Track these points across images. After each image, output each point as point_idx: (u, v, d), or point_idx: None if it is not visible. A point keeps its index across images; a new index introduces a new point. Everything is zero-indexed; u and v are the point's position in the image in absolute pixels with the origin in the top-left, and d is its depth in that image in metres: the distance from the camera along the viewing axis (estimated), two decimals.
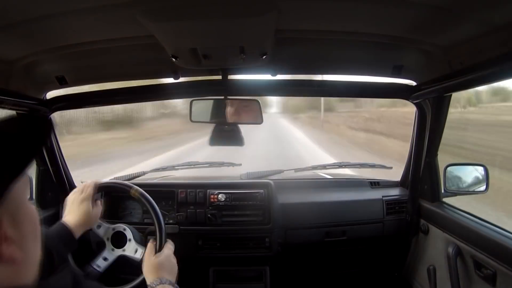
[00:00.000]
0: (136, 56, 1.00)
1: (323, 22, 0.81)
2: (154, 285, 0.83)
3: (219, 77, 1.09)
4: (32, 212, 0.39)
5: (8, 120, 0.35)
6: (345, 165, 1.65)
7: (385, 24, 0.81)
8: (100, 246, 1.09)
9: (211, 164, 1.64)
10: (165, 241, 1.01)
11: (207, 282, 1.41)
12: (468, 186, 1.27)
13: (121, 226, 1.10)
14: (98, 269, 1.03)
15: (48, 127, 0.35)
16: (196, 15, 0.70)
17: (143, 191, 1.09)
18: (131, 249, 1.07)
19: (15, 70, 0.94)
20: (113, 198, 1.34)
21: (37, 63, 0.97)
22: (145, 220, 1.33)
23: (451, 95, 1.14)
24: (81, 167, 4.35)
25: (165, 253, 0.95)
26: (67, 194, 1.04)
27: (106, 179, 1.28)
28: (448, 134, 1.22)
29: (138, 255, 1.06)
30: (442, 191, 1.29)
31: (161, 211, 1.07)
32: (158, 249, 0.97)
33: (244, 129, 1.15)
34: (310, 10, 0.73)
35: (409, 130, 1.37)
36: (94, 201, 1.01)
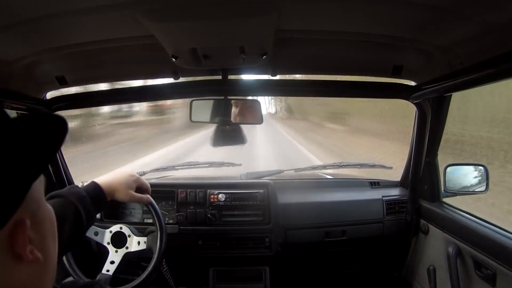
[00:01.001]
0: (136, 56, 0.99)
1: (323, 22, 0.81)
2: None
3: (219, 77, 1.09)
4: (50, 212, 0.38)
5: (26, 118, 0.34)
6: (345, 165, 1.65)
7: (385, 24, 0.80)
8: (102, 251, 1.10)
9: (211, 164, 1.64)
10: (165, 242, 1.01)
11: (207, 282, 1.41)
12: (468, 186, 1.27)
13: (117, 226, 1.10)
14: (108, 273, 1.03)
15: (66, 126, 0.35)
16: (196, 15, 0.70)
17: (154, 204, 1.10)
18: (134, 244, 1.08)
19: (15, 70, 0.94)
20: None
21: (37, 63, 0.97)
22: (145, 220, 1.34)
23: (451, 95, 1.14)
24: None
25: None
26: None
27: None
28: None
29: (142, 246, 1.08)
30: (442, 191, 1.29)
31: (161, 211, 1.08)
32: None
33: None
34: (310, 10, 0.73)
35: None
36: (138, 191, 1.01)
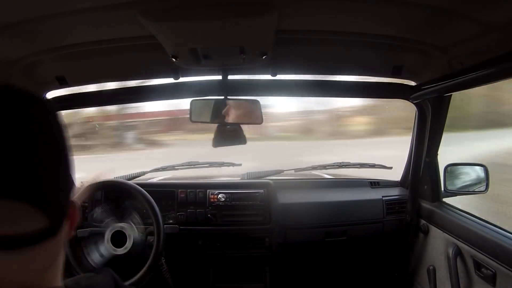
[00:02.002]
0: (136, 56, 0.99)
1: (323, 23, 0.81)
2: None
3: (219, 77, 1.08)
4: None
5: None
6: (345, 165, 1.65)
7: (385, 24, 0.81)
8: (95, 237, 1.10)
9: (211, 164, 1.64)
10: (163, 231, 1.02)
11: (207, 282, 1.41)
12: (468, 186, 1.27)
13: (117, 226, 1.11)
14: (92, 263, 1.06)
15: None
16: (196, 15, 0.70)
17: (146, 194, 1.10)
18: (131, 245, 1.10)
19: (15, 70, 0.94)
20: (113, 198, 1.34)
21: (37, 63, 0.97)
22: (145, 220, 1.34)
23: (451, 95, 1.14)
24: None
25: None
26: None
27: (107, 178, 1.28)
28: None
29: (140, 248, 1.09)
30: (442, 191, 1.29)
31: (160, 211, 1.09)
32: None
33: None
34: (310, 11, 0.73)
35: None
36: (88, 206, 1.04)
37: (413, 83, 1.15)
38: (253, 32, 0.79)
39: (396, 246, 1.45)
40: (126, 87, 1.22)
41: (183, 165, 1.61)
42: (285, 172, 1.62)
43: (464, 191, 1.29)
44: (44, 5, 0.66)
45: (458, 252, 1.08)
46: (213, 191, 1.35)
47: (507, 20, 0.66)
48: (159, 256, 1.07)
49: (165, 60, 0.93)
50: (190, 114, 1.13)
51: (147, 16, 0.69)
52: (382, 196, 1.43)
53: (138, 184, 1.16)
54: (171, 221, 1.33)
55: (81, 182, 1.48)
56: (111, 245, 1.08)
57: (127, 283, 1.00)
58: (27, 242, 0.30)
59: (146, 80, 1.25)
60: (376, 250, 1.48)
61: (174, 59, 0.92)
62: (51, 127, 0.33)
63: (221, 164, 1.65)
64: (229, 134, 1.13)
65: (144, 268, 1.02)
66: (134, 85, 1.22)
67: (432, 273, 1.24)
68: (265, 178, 1.51)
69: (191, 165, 1.62)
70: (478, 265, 0.99)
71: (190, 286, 1.47)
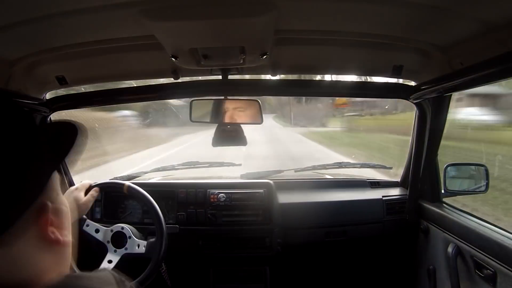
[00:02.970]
0: (136, 56, 1.00)
1: (322, 22, 0.81)
2: None
3: (219, 77, 1.08)
4: (65, 201, 0.43)
5: (49, 124, 0.40)
6: (345, 165, 1.65)
7: (385, 24, 0.81)
8: (101, 249, 1.10)
9: (211, 164, 1.64)
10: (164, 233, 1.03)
11: (207, 282, 1.41)
12: (468, 186, 1.27)
13: (118, 226, 1.10)
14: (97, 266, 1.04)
15: (76, 131, 0.41)
16: (196, 15, 0.70)
17: (134, 186, 1.10)
18: (133, 246, 1.09)
19: (15, 70, 0.94)
20: (113, 198, 1.34)
21: (37, 63, 0.97)
22: (145, 220, 1.34)
23: (451, 95, 1.14)
24: None
25: None
26: None
27: (105, 179, 1.28)
28: None
29: (141, 249, 1.08)
30: (442, 191, 1.29)
31: (161, 211, 1.08)
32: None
33: None
34: (310, 11, 0.73)
35: None
36: (86, 193, 1.04)
37: (413, 83, 1.15)
38: (253, 32, 0.79)
39: (396, 246, 1.44)
40: (126, 87, 1.22)
41: (183, 165, 1.61)
42: (285, 172, 1.62)
43: (464, 191, 1.29)
44: (44, 5, 0.66)
45: (458, 252, 1.08)
46: (213, 191, 1.35)
47: (507, 20, 0.66)
48: (162, 256, 1.07)
49: (165, 60, 0.93)
50: (190, 114, 1.13)
51: (147, 16, 0.69)
52: (382, 196, 1.43)
53: (138, 184, 1.16)
54: (171, 221, 1.33)
55: (81, 182, 1.49)
56: (113, 247, 1.08)
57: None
58: None
59: (146, 80, 1.25)
60: (376, 250, 1.48)
61: (174, 59, 0.92)
62: None
63: (221, 164, 1.65)
64: (229, 135, 1.13)
65: (148, 268, 1.02)
66: (134, 85, 1.22)
67: (432, 273, 1.24)
68: (265, 178, 1.51)
69: (191, 165, 1.62)
70: (478, 265, 0.99)
71: (190, 286, 1.47)
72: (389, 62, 1.05)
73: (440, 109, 1.18)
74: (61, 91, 1.21)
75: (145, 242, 1.09)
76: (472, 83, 0.83)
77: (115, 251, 1.08)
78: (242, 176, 1.54)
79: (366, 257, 1.51)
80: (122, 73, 1.16)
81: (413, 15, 0.73)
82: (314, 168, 1.65)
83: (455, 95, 1.16)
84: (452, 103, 1.17)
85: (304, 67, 1.14)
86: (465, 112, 4.82)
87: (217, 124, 1.13)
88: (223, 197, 1.34)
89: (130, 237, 1.09)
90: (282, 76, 1.16)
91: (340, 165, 1.65)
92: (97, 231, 1.09)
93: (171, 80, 1.15)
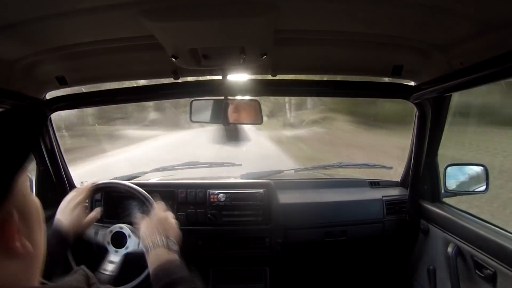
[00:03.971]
0: (136, 56, 0.99)
1: (322, 22, 0.81)
2: (148, 249, 0.80)
3: (219, 77, 1.09)
4: (37, 205, 0.40)
5: (2, 113, 0.35)
6: (345, 165, 1.65)
7: (385, 24, 0.80)
8: (102, 250, 1.09)
9: (211, 164, 1.64)
10: (152, 207, 1.00)
11: (207, 282, 1.41)
12: (468, 186, 1.27)
13: (117, 226, 1.10)
14: (106, 273, 1.03)
15: (42, 116, 0.36)
16: (196, 15, 0.70)
17: (129, 184, 1.10)
18: (133, 244, 1.08)
19: (15, 70, 0.94)
20: (113, 198, 1.34)
21: (37, 63, 0.97)
22: None
23: (451, 95, 1.14)
24: None
25: (155, 215, 0.93)
26: (67, 194, 1.04)
27: (106, 180, 1.28)
28: None
29: (141, 247, 1.07)
30: (442, 191, 1.29)
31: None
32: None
33: None
34: (310, 10, 0.73)
35: None
36: (88, 206, 1.02)
37: (413, 83, 1.15)
38: (253, 32, 0.79)
39: (396, 246, 1.45)
40: (126, 87, 1.22)
41: (183, 165, 1.61)
42: (285, 172, 1.62)
43: (464, 191, 1.29)
44: (44, 5, 0.66)
45: (458, 252, 1.08)
46: (213, 191, 1.35)
47: (507, 20, 0.66)
48: None
49: (165, 60, 0.93)
50: (190, 114, 1.13)
51: (147, 16, 0.69)
52: (382, 196, 1.43)
53: (138, 184, 1.16)
54: None
55: (81, 182, 1.49)
56: (114, 248, 1.08)
57: (130, 284, 1.00)
58: None
59: (146, 80, 1.25)
60: (376, 250, 1.48)
61: (174, 59, 0.92)
62: None
63: (221, 164, 1.65)
64: (230, 134, 1.13)
65: (145, 273, 1.02)
66: (134, 85, 1.22)
67: (432, 273, 1.24)
68: (265, 178, 1.51)
69: (191, 165, 1.62)
70: (478, 265, 0.99)
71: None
72: (389, 62, 1.05)
73: (440, 109, 1.18)
74: (61, 91, 1.21)
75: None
76: (472, 83, 0.83)
77: (116, 251, 1.08)
78: (242, 176, 1.55)
79: (366, 257, 1.51)
80: (122, 73, 1.16)
81: (413, 15, 0.73)
82: (314, 168, 1.66)
83: (455, 95, 1.16)
84: None
85: (304, 67, 1.14)
86: None
87: (217, 124, 1.13)
88: (223, 197, 1.34)
89: (129, 236, 1.09)
90: (282, 76, 1.16)
91: (340, 165, 1.65)
92: (95, 233, 1.09)
93: (171, 80, 1.15)
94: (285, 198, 1.40)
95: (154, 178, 1.57)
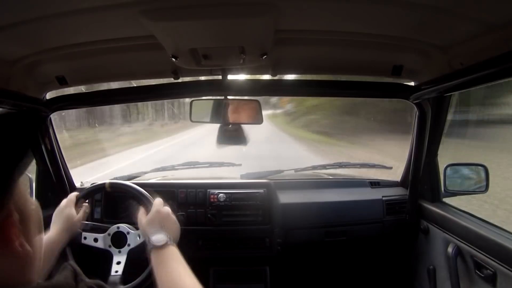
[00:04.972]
0: (136, 56, 0.99)
1: (322, 22, 0.81)
2: (149, 243, 0.79)
3: (219, 77, 1.09)
4: (36, 207, 0.40)
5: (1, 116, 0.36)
6: (345, 165, 1.65)
7: (385, 24, 0.81)
8: (107, 255, 1.09)
9: (211, 164, 1.64)
10: (151, 203, 0.99)
11: (207, 282, 1.41)
12: (468, 186, 1.27)
13: (114, 227, 1.10)
14: (117, 274, 1.02)
15: (38, 119, 0.36)
16: (196, 15, 0.70)
17: (116, 181, 1.10)
18: (134, 239, 1.08)
19: (15, 70, 0.94)
20: (113, 198, 1.34)
21: (37, 63, 0.97)
22: None
23: (451, 95, 1.14)
24: None
25: (154, 210, 0.91)
26: (67, 194, 1.04)
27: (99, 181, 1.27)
28: None
29: (141, 239, 1.07)
30: (442, 191, 1.29)
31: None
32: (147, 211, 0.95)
33: None
34: (310, 11, 0.73)
35: None
36: (78, 207, 1.00)
37: (413, 83, 1.15)
38: (253, 32, 0.79)
39: (396, 246, 1.45)
40: (126, 87, 1.22)
41: (183, 165, 1.61)
42: (285, 172, 1.62)
43: (464, 191, 1.29)
44: (44, 5, 0.66)
45: (458, 252, 1.08)
46: (213, 191, 1.35)
47: (507, 20, 0.66)
48: None
49: (165, 60, 0.93)
50: (190, 114, 1.13)
51: (147, 16, 0.69)
52: (382, 196, 1.43)
53: (138, 184, 1.16)
54: None
55: (81, 182, 1.49)
56: (113, 248, 1.08)
57: (130, 284, 1.00)
58: None
59: (146, 80, 1.25)
60: (376, 250, 1.48)
61: (174, 59, 0.92)
62: None
63: (221, 164, 1.65)
64: (230, 134, 1.13)
65: (147, 271, 1.02)
66: (134, 85, 1.22)
67: (432, 273, 1.24)
68: (265, 178, 1.51)
69: (191, 165, 1.62)
70: (478, 265, 0.99)
71: None
72: (389, 62, 1.05)
73: (440, 109, 1.18)
74: (61, 91, 1.21)
75: (144, 240, 1.08)
76: (472, 83, 0.83)
77: (119, 252, 1.07)
78: (242, 176, 1.54)
79: (366, 257, 1.51)
80: (122, 73, 1.16)
81: (413, 15, 0.73)
82: (314, 168, 1.65)
83: (455, 95, 1.16)
84: None
85: (304, 67, 1.14)
86: None
87: (217, 124, 1.13)
88: (223, 197, 1.34)
89: (128, 233, 1.09)
90: (282, 76, 1.16)
91: (340, 165, 1.65)
92: (95, 240, 1.08)
93: (171, 80, 1.15)
94: (285, 198, 1.40)
95: (154, 178, 1.56)
